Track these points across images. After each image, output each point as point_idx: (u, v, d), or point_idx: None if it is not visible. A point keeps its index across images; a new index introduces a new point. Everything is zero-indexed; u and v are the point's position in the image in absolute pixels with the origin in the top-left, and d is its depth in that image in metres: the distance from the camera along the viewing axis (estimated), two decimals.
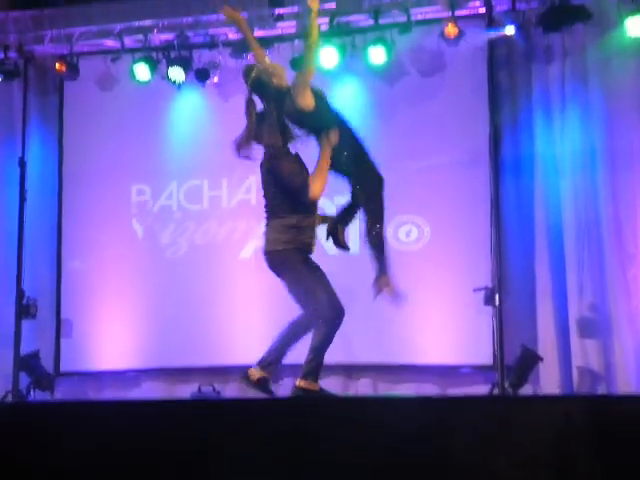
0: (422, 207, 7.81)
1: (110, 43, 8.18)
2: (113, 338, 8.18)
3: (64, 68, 8.12)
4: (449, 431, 3.51)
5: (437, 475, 3.49)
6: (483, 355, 7.41)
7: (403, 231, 7.79)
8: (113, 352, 8.16)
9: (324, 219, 5.31)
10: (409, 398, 5.46)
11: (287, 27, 8.00)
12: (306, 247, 5.15)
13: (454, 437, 3.48)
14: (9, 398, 7.63)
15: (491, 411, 3.63)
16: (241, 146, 5.07)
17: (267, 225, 5.09)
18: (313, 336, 5.03)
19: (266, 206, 5.08)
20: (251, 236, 7.97)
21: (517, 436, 3.43)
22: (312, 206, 5.11)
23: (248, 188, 8.06)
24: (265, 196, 5.07)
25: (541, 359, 7.29)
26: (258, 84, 5.08)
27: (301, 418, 3.77)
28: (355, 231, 7.49)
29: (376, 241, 5.28)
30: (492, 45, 7.69)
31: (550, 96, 7.69)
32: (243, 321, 7.90)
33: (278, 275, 5.16)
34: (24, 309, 7.86)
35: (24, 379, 7.79)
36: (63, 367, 8.20)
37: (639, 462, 3.33)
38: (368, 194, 5.18)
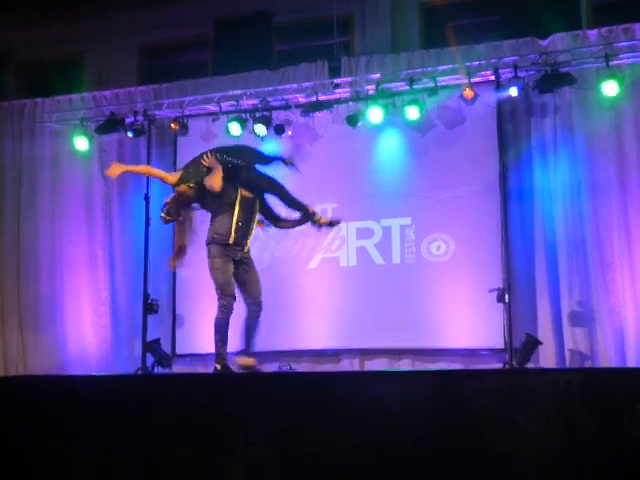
0: (448, 227, 8.22)
1: (211, 107, 8.70)
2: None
3: (177, 127, 8.72)
4: (475, 396, 3.65)
5: (468, 431, 3.59)
6: (496, 340, 7.80)
7: (434, 246, 8.26)
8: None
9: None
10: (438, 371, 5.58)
11: (343, 92, 8.45)
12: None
13: (479, 401, 3.63)
14: (139, 372, 8.21)
15: (510, 380, 3.78)
16: None
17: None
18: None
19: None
20: (316, 251, 8.56)
21: (531, 399, 3.58)
22: None
23: None
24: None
25: (541, 343, 7.67)
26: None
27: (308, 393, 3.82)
28: (397, 247, 8.42)
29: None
30: (500, 103, 8.05)
31: (545, 141, 8.07)
32: (311, 315, 8.37)
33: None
34: (149, 307, 8.49)
35: (149, 359, 8.40)
36: (178, 350, 8.69)
37: (621, 417, 3.48)
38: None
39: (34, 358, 8.97)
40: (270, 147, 8.58)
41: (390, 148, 8.59)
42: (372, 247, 8.53)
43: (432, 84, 8.13)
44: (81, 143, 8.98)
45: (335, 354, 8.36)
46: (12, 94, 9.91)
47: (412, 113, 8.20)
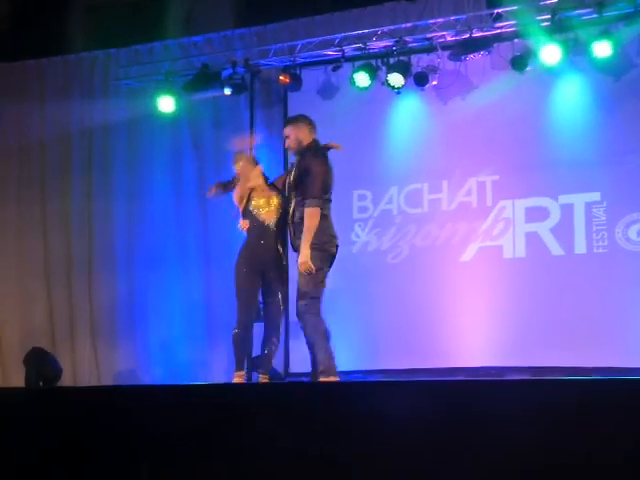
0: None
1: (331, 53, 7.80)
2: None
3: (288, 80, 7.85)
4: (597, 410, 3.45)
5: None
6: None
7: (634, 230, 6.95)
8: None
9: None
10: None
11: (506, 26, 7.20)
12: None
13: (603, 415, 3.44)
14: None
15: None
16: None
17: None
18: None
19: None
20: (472, 239, 7.53)
21: None
22: None
23: (469, 190, 7.57)
24: None
25: None
26: None
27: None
28: (581, 232, 7.06)
29: None
30: None
31: None
32: (466, 323, 7.28)
33: None
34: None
35: (256, 377, 7.05)
36: (292, 368, 7.79)
37: None
38: None
39: (109, 377, 8.13)
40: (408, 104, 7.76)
41: (571, 99, 7.35)
42: (547, 233, 7.33)
43: (631, 9, 6.72)
44: (166, 104, 8.10)
45: (499, 374, 7.17)
46: (80, 45, 8.87)
47: (602, 50, 6.89)
